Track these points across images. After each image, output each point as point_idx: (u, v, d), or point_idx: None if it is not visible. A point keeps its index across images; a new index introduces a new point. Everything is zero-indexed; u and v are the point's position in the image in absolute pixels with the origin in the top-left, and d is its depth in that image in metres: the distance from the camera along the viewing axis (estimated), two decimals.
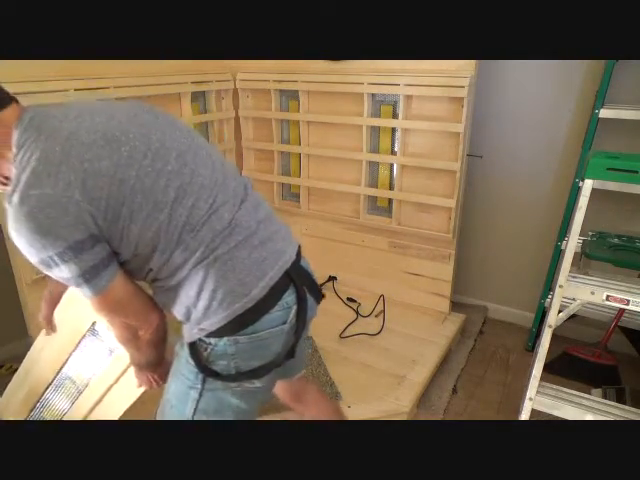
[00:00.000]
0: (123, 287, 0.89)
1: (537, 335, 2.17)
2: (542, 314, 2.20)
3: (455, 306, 2.47)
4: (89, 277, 0.83)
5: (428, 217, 2.28)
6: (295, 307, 0.96)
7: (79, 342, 1.28)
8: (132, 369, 1.15)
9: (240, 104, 2.52)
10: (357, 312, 2.34)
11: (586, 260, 1.59)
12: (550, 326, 1.45)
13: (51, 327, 1.26)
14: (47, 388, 1.38)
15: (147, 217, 0.85)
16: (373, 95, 2.23)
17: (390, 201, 2.37)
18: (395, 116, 2.21)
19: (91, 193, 0.80)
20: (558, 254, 2.09)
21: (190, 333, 0.95)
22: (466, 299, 2.62)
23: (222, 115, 2.45)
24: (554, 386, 1.56)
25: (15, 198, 0.79)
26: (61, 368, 1.34)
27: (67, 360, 1.32)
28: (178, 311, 0.95)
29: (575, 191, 1.98)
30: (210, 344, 0.93)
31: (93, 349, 1.28)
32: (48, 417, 1.42)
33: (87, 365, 1.30)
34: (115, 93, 1.87)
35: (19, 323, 1.86)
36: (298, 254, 1.02)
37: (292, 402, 1.32)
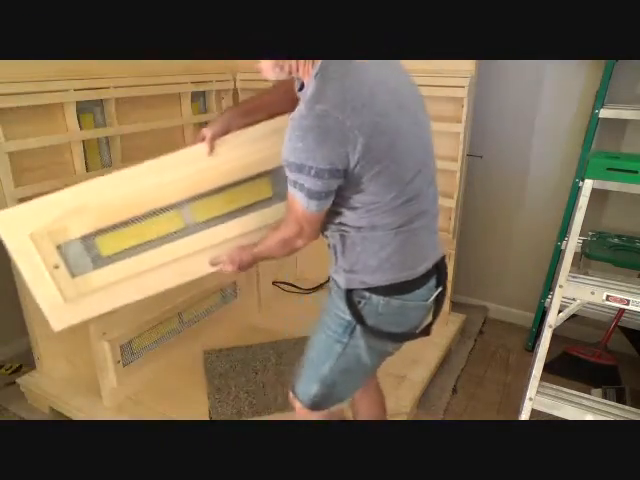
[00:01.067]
0: (321, 215, 0.99)
1: (537, 335, 2.17)
2: (542, 314, 2.20)
3: (455, 306, 2.47)
4: (319, 197, 0.93)
5: None
6: (438, 291, 1.11)
7: (235, 182, 1.25)
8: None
9: None
10: None
11: (586, 260, 1.59)
12: (550, 326, 1.45)
13: (211, 147, 1.24)
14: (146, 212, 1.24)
15: (388, 184, 0.95)
16: None
17: None
18: None
19: (369, 142, 0.89)
20: (558, 254, 2.09)
21: (349, 281, 1.06)
22: (466, 299, 2.62)
23: None
24: (554, 386, 1.56)
25: (318, 108, 0.87)
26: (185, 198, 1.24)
27: (204, 191, 1.25)
28: (347, 258, 1.05)
29: (575, 191, 1.98)
30: (364, 297, 1.05)
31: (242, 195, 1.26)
32: (113, 242, 1.24)
33: (217, 207, 1.26)
34: (115, 93, 1.87)
35: (19, 323, 1.86)
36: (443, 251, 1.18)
37: None
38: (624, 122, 1.91)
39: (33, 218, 1.18)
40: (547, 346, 1.46)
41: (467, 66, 1.96)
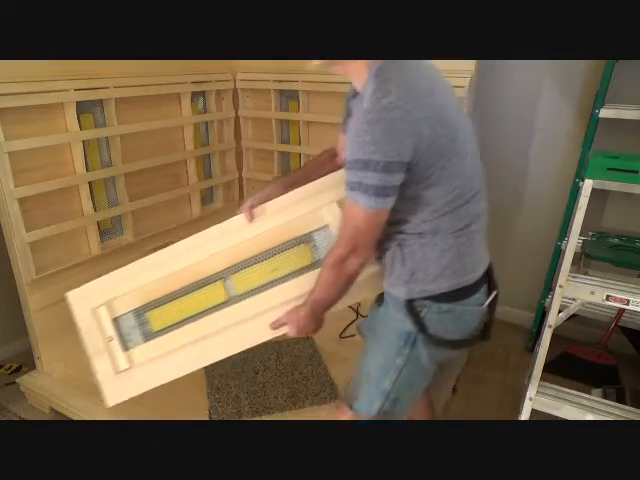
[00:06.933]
0: (384, 218, 0.95)
1: (537, 335, 2.17)
2: (542, 314, 2.20)
3: None
4: (381, 193, 0.90)
5: None
6: (493, 294, 1.10)
7: (273, 248, 1.27)
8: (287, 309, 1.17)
9: (240, 104, 2.51)
10: (357, 312, 2.34)
11: (586, 260, 1.59)
12: (550, 326, 1.45)
13: (250, 215, 1.27)
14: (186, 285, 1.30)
15: (451, 178, 0.94)
16: None
17: None
18: None
19: (433, 134, 0.89)
20: (558, 254, 2.09)
21: (409, 291, 1.04)
22: None
23: (222, 115, 2.45)
24: (554, 386, 1.56)
25: (384, 101, 0.86)
26: (228, 266, 1.28)
27: (245, 261, 1.28)
28: (407, 267, 1.03)
29: (575, 191, 1.98)
30: (426, 305, 1.03)
31: (283, 261, 1.26)
32: (161, 316, 1.30)
33: (258, 276, 1.26)
34: (115, 93, 1.87)
35: (19, 323, 1.86)
36: None
37: None
38: (624, 122, 1.91)
39: (97, 295, 1.32)
40: (547, 346, 1.46)
41: (467, 66, 1.96)
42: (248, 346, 1.27)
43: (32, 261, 1.72)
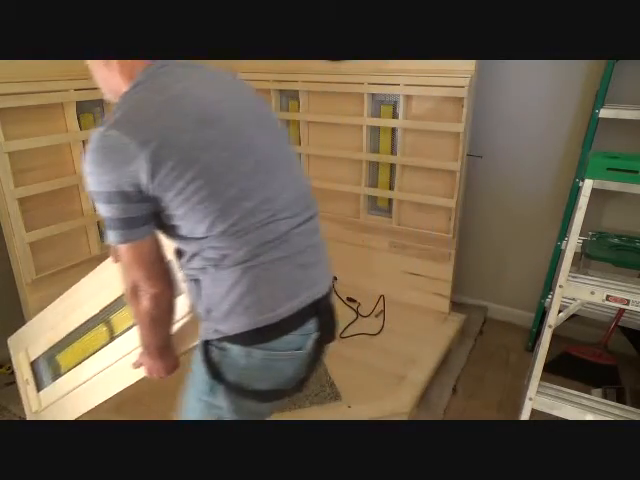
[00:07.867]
0: (150, 249, 0.89)
1: (537, 335, 2.17)
2: (542, 314, 2.20)
3: (455, 306, 2.47)
4: (122, 226, 0.85)
5: (428, 217, 2.28)
6: (314, 335, 0.95)
7: None
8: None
9: None
10: (357, 312, 2.34)
11: (586, 260, 1.59)
12: (550, 326, 1.45)
13: (115, 258, 1.19)
14: (80, 325, 1.33)
15: (204, 203, 0.85)
16: (373, 95, 2.23)
17: (390, 201, 2.37)
18: (395, 116, 2.21)
19: (160, 158, 0.81)
20: (558, 254, 2.09)
21: (205, 331, 0.94)
22: (466, 299, 2.62)
23: None
24: (554, 386, 1.56)
25: (99, 129, 0.84)
26: (107, 306, 1.29)
27: (117, 301, 1.26)
28: (200, 305, 0.94)
29: (575, 191, 1.98)
30: (223, 348, 0.92)
31: None
32: (66, 359, 1.35)
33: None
34: None
35: (19, 323, 1.85)
36: (330, 288, 1.01)
37: None
38: (624, 122, 1.91)
39: (22, 340, 1.47)
40: (547, 346, 1.46)
41: (467, 66, 1.96)
42: (127, 384, 1.26)
43: (32, 261, 1.72)
